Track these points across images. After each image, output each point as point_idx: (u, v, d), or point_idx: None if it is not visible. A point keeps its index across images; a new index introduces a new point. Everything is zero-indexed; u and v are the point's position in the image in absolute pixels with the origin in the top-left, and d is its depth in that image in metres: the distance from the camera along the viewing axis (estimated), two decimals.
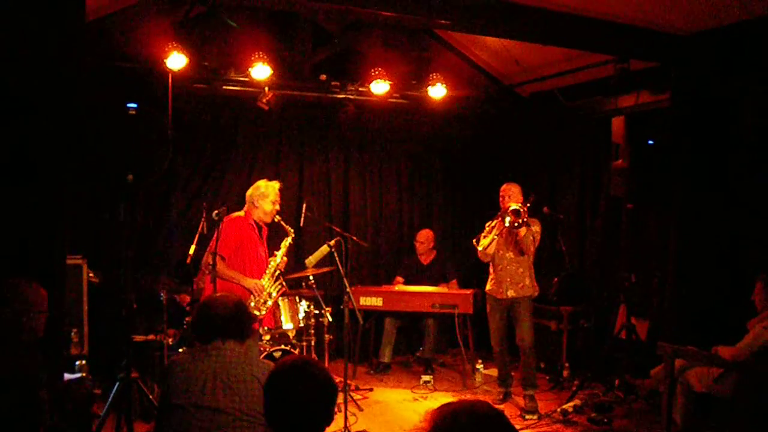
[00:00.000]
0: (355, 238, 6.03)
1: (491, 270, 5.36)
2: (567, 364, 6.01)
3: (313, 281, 5.39)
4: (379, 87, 5.78)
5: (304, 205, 5.72)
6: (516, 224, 5.02)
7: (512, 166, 7.03)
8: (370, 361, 6.61)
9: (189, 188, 6.24)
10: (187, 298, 5.05)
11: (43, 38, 3.15)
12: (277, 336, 5.11)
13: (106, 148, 5.38)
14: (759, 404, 3.97)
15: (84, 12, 3.42)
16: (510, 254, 5.24)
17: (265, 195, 4.72)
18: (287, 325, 5.15)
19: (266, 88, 5.62)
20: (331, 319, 5.49)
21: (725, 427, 4.35)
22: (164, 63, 4.97)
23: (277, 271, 4.77)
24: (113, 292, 4.90)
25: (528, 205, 5.08)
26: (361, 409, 5.28)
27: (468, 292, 6.09)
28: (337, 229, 5.64)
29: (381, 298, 6.22)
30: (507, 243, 5.25)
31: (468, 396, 5.55)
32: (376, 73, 5.66)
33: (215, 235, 4.44)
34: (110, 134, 5.35)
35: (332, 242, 4.73)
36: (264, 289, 4.64)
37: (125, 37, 5.20)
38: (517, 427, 4.69)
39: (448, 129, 7.27)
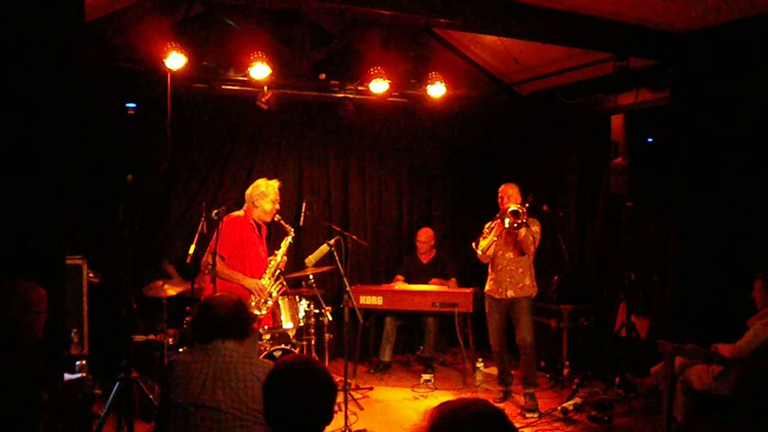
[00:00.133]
0: (354, 237, 6.04)
1: (490, 270, 5.36)
2: (567, 363, 6.01)
3: (313, 280, 5.39)
4: (379, 86, 5.78)
5: (304, 205, 5.73)
6: (515, 225, 5.01)
7: (511, 165, 7.03)
8: (371, 360, 6.61)
9: (188, 188, 6.23)
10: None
11: (42, 38, 3.15)
12: (277, 335, 5.11)
13: (106, 147, 5.40)
14: (759, 402, 3.97)
15: (83, 12, 3.42)
16: (510, 254, 5.24)
17: (265, 194, 4.69)
18: (287, 324, 5.15)
19: (265, 88, 5.62)
20: (331, 319, 5.49)
21: (725, 425, 4.35)
22: (163, 63, 4.97)
23: (278, 271, 4.76)
24: (113, 292, 4.90)
25: (527, 205, 5.08)
26: (361, 408, 5.28)
27: (468, 290, 6.09)
28: (337, 228, 5.64)
29: (381, 297, 6.22)
30: (507, 243, 5.24)
31: (468, 395, 5.55)
32: (375, 72, 5.66)
33: (215, 235, 4.43)
34: (109, 134, 5.37)
35: (332, 241, 4.72)
36: (265, 289, 4.63)
37: (124, 37, 5.19)
38: (518, 425, 4.70)
39: (447, 127, 7.27)
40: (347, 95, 6.10)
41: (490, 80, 6.97)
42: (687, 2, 4.56)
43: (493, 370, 5.85)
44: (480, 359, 6.22)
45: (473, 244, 5.31)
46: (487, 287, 5.37)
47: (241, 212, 4.74)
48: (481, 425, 1.45)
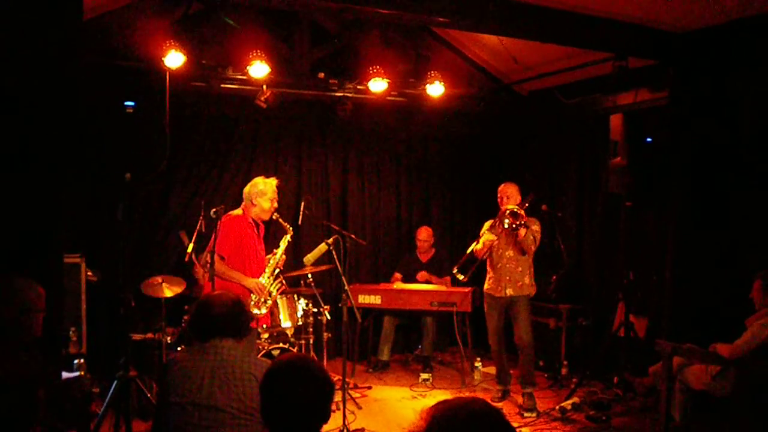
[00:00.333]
0: (353, 236, 6.00)
1: (490, 268, 5.36)
2: (565, 362, 6.02)
3: (311, 279, 5.39)
4: (378, 85, 5.78)
5: (303, 203, 5.71)
6: (514, 226, 5.02)
7: (511, 164, 7.03)
8: (369, 359, 6.61)
9: (187, 186, 6.23)
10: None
11: (41, 37, 3.14)
12: (275, 334, 5.11)
13: (104, 146, 5.40)
14: (757, 401, 3.97)
15: (82, 10, 3.41)
16: (510, 252, 5.24)
17: (264, 192, 4.67)
18: (286, 323, 5.15)
19: (264, 87, 5.61)
20: (329, 318, 5.49)
21: (723, 425, 4.35)
22: (162, 61, 4.95)
23: (277, 270, 4.75)
24: (112, 290, 4.90)
25: (526, 205, 5.08)
26: (359, 407, 5.28)
27: (467, 290, 6.09)
28: (336, 227, 5.63)
29: (379, 296, 6.22)
30: (507, 242, 5.25)
31: (467, 394, 5.55)
32: (375, 71, 5.66)
33: (213, 234, 4.42)
34: (108, 132, 5.37)
35: (330, 240, 4.71)
36: (265, 288, 4.62)
37: (123, 36, 5.19)
38: (516, 425, 4.71)
39: (446, 127, 7.26)
40: (346, 94, 6.09)
41: (490, 80, 6.97)
42: (686, 2, 4.56)
43: (492, 370, 5.86)
44: (478, 358, 6.22)
45: (470, 250, 5.30)
46: (486, 285, 5.38)
47: (239, 211, 4.72)
48: (478, 424, 1.45)
